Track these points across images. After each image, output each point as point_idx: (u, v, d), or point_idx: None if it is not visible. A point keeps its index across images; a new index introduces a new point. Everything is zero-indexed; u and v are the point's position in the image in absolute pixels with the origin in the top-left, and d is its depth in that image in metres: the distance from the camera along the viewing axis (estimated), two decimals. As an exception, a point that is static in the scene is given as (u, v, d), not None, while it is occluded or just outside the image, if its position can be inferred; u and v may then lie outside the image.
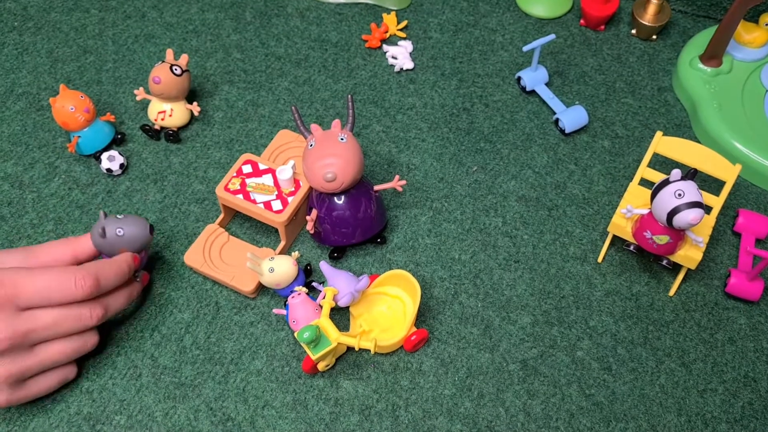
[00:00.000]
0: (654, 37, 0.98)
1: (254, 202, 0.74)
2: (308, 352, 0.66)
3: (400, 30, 0.98)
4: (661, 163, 0.85)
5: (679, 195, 0.65)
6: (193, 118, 0.89)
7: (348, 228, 0.75)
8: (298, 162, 0.79)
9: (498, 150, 0.87)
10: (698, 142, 0.88)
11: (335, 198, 0.74)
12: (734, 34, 0.88)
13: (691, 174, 0.67)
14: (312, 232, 0.77)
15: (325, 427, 0.68)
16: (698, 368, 0.72)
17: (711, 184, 0.83)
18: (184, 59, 0.85)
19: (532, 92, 0.92)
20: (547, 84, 0.92)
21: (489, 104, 0.91)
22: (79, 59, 0.95)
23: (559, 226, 0.81)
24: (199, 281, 0.77)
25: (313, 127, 0.73)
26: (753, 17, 0.94)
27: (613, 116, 0.90)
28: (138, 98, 0.86)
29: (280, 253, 0.77)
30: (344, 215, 0.74)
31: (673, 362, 0.72)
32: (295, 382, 0.70)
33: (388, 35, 0.98)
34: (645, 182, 0.78)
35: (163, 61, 0.84)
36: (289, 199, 0.75)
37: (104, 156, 0.83)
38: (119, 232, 0.67)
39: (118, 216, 0.68)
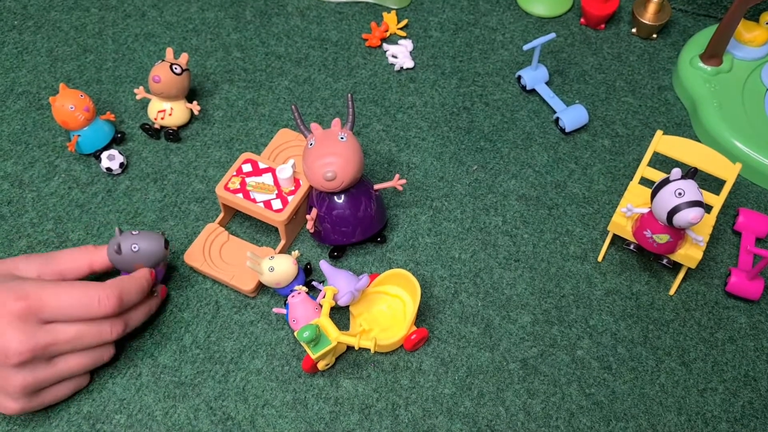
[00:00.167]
0: (654, 35, 0.98)
1: (254, 201, 0.74)
2: (308, 351, 0.66)
3: (401, 29, 0.98)
4: (662, 162, 0.85)
5: (680, 194, 0.65)
6: (193, 117, 0.89)
7: (348, 227, 0.75)
8: (298, 161, 0.79)
9: (498, 149, 0.87)
10: (698, 141, 0.88)
11: (335, 197, 0.74)
12: (735, 32, 0.88)
13: (691, 173, 0.67)
14: (312, 231, 0.77)
15: (325, 426, 0.68)
16: (698, 367, 0.72)
17: (711, 183, 0.83)
18: (184, 58, 0.85)
19: (533, 91, 0.92)
20: (547, 83, 0.92)
21: (489, 103, 0.91)
22: (79, 58, 0.95)
23: (560, 225, 0.81)
24: (199, 280, 0.77)
25: (313, 126, 0.73)
26: (753, 16, 0.94)
27: (614, 115, 0.90)
28: (138, 97, 0.86)
29: (280, 252, 0.77)
30: (344, 214, 0.74)
31: (674, 361, 0.72)
32: (295, 381, 0.70)
33: (388, 34, 0.98)
34: (645, 181, 0.78)
35: (163, 60, 0.84)
36: (289, 198, 0.75)
37: (104, 155, 0.83)
38: (134, 248, 0.67)
39: (133, 232, 0.68)
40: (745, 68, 0.90)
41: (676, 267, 0.76)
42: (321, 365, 0.69)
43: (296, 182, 0.76)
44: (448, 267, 0.78)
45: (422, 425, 0.68)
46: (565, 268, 0.78)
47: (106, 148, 0.85)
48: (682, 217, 0.65)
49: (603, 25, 0.99)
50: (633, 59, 0.96)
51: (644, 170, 0.77)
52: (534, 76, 0.91)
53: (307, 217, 0.75)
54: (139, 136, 0.88)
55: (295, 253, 0.73)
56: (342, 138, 0.71)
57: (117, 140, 0.87)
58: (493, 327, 0.74)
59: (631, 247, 0.74)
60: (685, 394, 0.70)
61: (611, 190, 0.84)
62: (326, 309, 0.68)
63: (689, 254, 0.72)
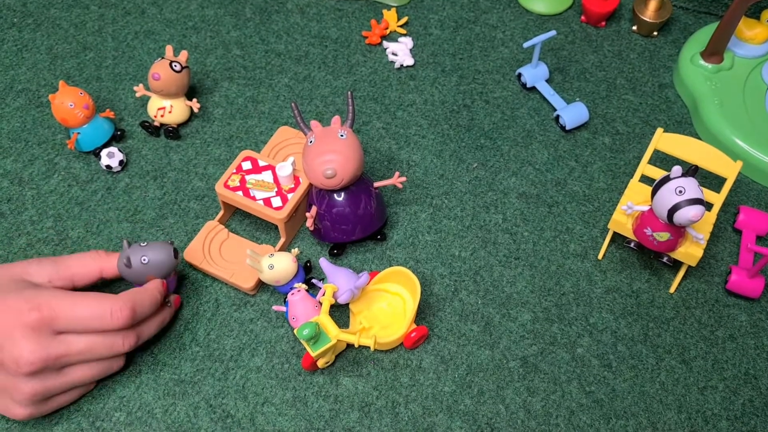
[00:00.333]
0: (655, 33, 0.98)
1: (254, 198, 0.74)
2: (308, 349, 0.66)
3: (401, 26, 0.98)
4: (662, 160, 0.85)
5: (680, 192, 0.65)
6: (192, 115, 0.89)
7: (348, 225, 0.75)
8: (298, 158, 0.79)
9: (498, 147, 0.87)
10: (699, 138, 0.87)
11: (335, 195, 0.74)
12: (736, 30, 0.88)
13: (691, 171, 0.67)
14: (312, 228, 0.77)
15: (325, 424, 0.68)
16: (698, 365, 0.72)
17: (712, 181, 0.83)
18: (183, 56, 0.85)
19: (533, 89, 0.92)
20: (547, 80, 0.92)
21: (489, 101, 0.91)
22: (79, 56, 0.95)
23: (560, 223, 0.81)
24: (199, 278, 0.77)
25: (313, 123, 0.72)
26: (754, 13, 0.94)
27: (614, 113, 0.90)
28: (137, 95, 0.86)
29: (280, 249, 0.77)
30: (344, 212, 0.74)
31: (674, 359, 0.72)
32: (294, 379, 0.70)
33: (388, 32, 0.97)
34: (645, 179, 0.78)
35: (163, 58, 0.83)
36: (289, 195, 0.75)
37: (104, 153, 0.83)
38: (144, 260, 0.66)
39: (141, 244, 0.68)
40: (746, 66, 0.90)
41: (676, 265, 0.76)
42: (321, 363, 0.69)
43: (296, 180, 0.76)
44: (448, 265, 0.78)
45: (422, 423, 0.68)
46: (566, 266, 0.78)
47: (106, 145, 0.85)
48: (683, 215, 0.65)
49: (603, 23, 0.99)
50: (634, 57, 0.96)
51: (645, 168, 0.77)
52: (534, 74, 0.90)
53: (307, 214, 0.75)
54: (138, 134, 0.88)
55: (295, 250, 0.73)
56: (342, 135, 0.71)
57: (117, 138, 0.86)
58: (493, 325, 0.74)
59: (632, 245, 0.74)
60: (685, 392, 0.70)
61: (611, 188, 0.84)
62: (326, 307, 0.68)
63: (690, 252, 0.71)
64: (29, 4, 1.01)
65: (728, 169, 0.74)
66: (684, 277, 0.77)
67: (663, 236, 0.70)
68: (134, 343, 0.65)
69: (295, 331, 0.66)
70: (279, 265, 0.71)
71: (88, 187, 0.83)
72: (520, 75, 0.92)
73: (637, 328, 0.74)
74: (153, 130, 0.87)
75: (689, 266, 0.76)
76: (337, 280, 0.69)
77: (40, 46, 0.96)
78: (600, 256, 0.78)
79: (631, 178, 0.83)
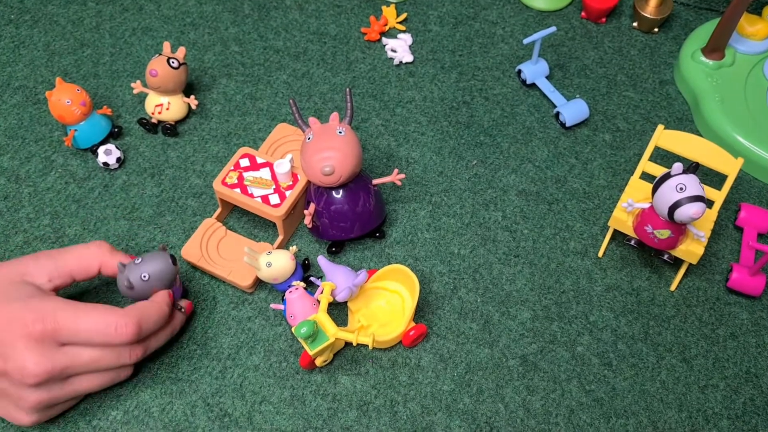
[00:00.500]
0: (656, 29, 0.97)
1: (252, 196, 0.74)
2: (306, 347, 0.66)
3: (400, 23, 0.98)
4: (663, 157, 0.84)
5: (681, 189, 0.64)
6: (190, 112, 0.89)
7: (346, 222, 0.74)
8: (296, 156, 0.78)
9: (498, 144, 0.86)
10: (700, 135, 0.87)
11: (333, 192, 0.73)
12: (737, 26, 0.87)
13: (692, 168, 0.66)
14: (310, 226, 0.76)
15: (323, 423, 0.67)
16: (699, 364, 0.71)
17: (713, 178, 0.82)
18: (181, 52, 0.84)
19: (533, 85, 0.92)
20: (547, 77, 0.91)
21: (489, 97, 0.91)
22: (76, 52, 0.95)
23: (560, 220, 0.80)
24: (196, 276, 0.76)
25: (311, 120, 0.72)
26: (756, 9, 0.93)
27: (615, 110, 0.90)
28: (135, 91, 0.85)
29: (278, 247, 0.77)
30: (342, 209, 0.73)
31: (674, 358, 0.72)
32: (292, 377, 0.70)
33: (387, 28, 0.97)
34: (646, 176, 0.77)
35: (161, 54, 0.83)
36: (287, 193, 0.74)
37: (101, 150, 0.82)
38: (144, 276, 0.65)
39: (136, 261, 0.66)
40: (747, 62, 0.89)
41: (677, 263, 0.76)
42: (319, 361, 0.69)
43: (294, 177, 0.75)
44: (447, 262, 0.77)
45: (421, 422, 0.67)
46: (565, 263, 0.77)
47: (103, 142, 0.84)
48: (684, 213, 0.64)
49: (604, 19, 0.98)
50: (634, 53, 0.95)
51: (645, 165, 0.77)
52: (534, 71, 0.90)
53: (305, 212, 0.74)
54: (136, 131, 0.87)
55: (293, 248, 0.73)
56: (340, 132, 0.71)
57: (114, 135, 0.86)
58: (493, 323, 0.73)
59: (632, 242, 0.74)
60: (686, 390, 0.70)
61: (612, 185, 0.83)
62: (324, 305, 0.68)
63: (690, 250, 0.71)
64: (26, 1, 1.00)
65: (729, 166, 0.74)
66: (685, 275, 0.76)
67: (664, 234, 0.69)
68: (141, 354, 0.65)
69: (292, 329, 0.66)
70: (277, 262, 0.70)
71: (85, 185, 0.82)
72: (519, 72, 0.91)
73: (638, 327, 0.73)
74: (150, 127, 0.86)
75: (690, 264, 0.76)
76: (336, 278, 0.69)
77: (38, 42, 0.96)
78: (600, 254, 0.78)
79: (632, 175, 0.82)
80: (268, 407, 0.68)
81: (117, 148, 0.83)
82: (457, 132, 0.87)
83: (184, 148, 0.86)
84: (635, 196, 0.74)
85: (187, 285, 0.75)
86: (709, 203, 0.74)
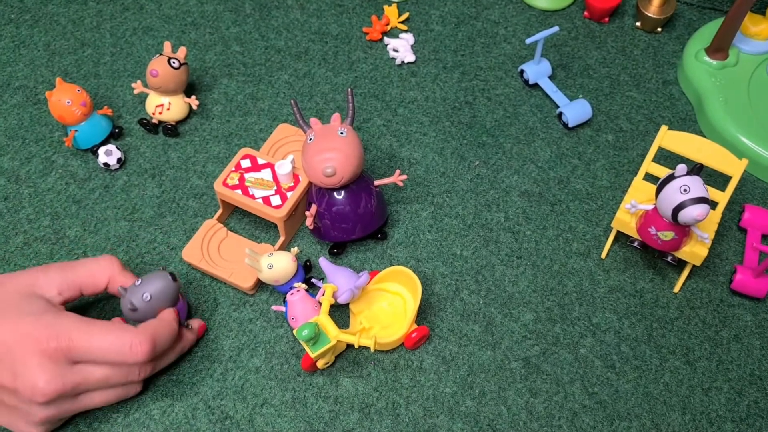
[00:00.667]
0: (659, 29, 0.96)
1: (253, 197, 0.73)
2: (307, 349, 0.65)
3: (402, 22, 0.97)
4: (665, 158, 0.84)
5: (685, 190, 0.64)
6: (191, 112, 0.88)
7: (348, 223, 0.74)
8: (298, 156, 0.78)
9: (500, 144, 0.86)
10: (703, 136, 0.86)
11: (335, 193, 0.73)
12: (741, 26, 0.87)
13: (696, 169, 0.66)
14: (311, 227, 0.76)
15: (325, 426, 0.67)
16: (703, 366, 0.71)
17: (716, 179, 0.82)
18: (182, 52, 0.84)
19: (535, 85, 0.91)
20: (550, 77, 0.91)
21: (491, 98, 0.90)
22: (77, 52, 0.94)
23: (562, 221, 0.80)
24: (197, 277, 0.76)
25: (313, 121, 0.72)
26: (760, 9, 0.92)
27: (618, 110, 0.89)
28: (135, 92, 0.85)
29: (279, 249, 0.76)
30: (344, 210, 0.73)
31: (678, 360, 0.71)
32: (294, 379, 0.69)
33: (389, 27, 0.96)
34: (649, 177, 0.77)
35: (161, 54, 0.83)
36: (288, 194, 0.74)
37: (101, 150, 0.82)
38: (146, 297, 0.64)
39: (136, 283, 0.65)
40: (751, 62, 0.89)
41: (680, 264, 0.75)
42: (320, 364, 0.68)
43: (295, 178, 0.75)
44: (450, 264, 0.77)
45: (423, 425, 0.67)
46: (568, 265, 0.77)
47: (104, 143, 0.84)
48: (688, 214, 0.64)
49: (607, 19, 0.98)
50: (637, 53, 0.95)
51: (649, 166, 0.76)
52: (537, 71, 0.89)
53: (307, 213, 0.74)
54: (136, 131, 0.87)
55: (295, 249, 0.72)
56: (342, 133, 0.70)
57: (114, 135, 0.85)
58: (495, 325, 0.73)
59: (635, 244, 0.73)
60: (689, 393, 0.69)
61: (615, 186, 0.83)
62: (326, 307, 0.67)
63: (694, 251, 0.71)
64: (27, 0, 1.00)
65: (733, 167, 0.73)
66: (688, 277, 0.76)
67: (667, 235, 0.69)
68: (150, 371, 0.64)
69: (294, 331, 0.65)
70: (278, 264, 0.70)
71: (85, 185, 0.82)
72: (522, 71, 0.91)
73: (641, 329, 0.73)
74: (151, 127, 0.86)
75: (693, 266, 0.75)
76: (337, 279, 0.68)
77: (38, 42, 0.95)
78: (603, 255, 0.77)
79: (635, 176, 0.82)
80: (269, 410, 0.68)
81: (117, 148, 0.82)
82: (460, 132, 0.87)
83: (185, 148, 0.85)
84: (638, 197, 0.74)
85: (188, 287, 0.75)
86: (713, 204, 0.74)
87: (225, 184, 0.74)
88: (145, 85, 0.85)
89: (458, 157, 0.85)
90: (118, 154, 0.82)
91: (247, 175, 0.75)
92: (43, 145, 0.85)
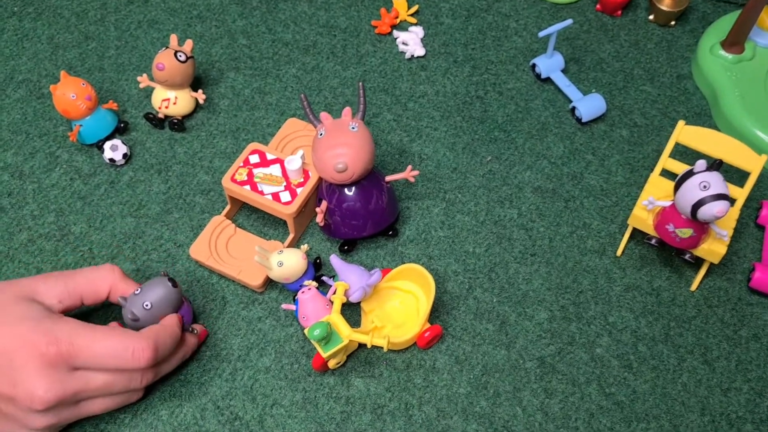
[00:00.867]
0: (672, 22, 0.95)
1: (262, 193, 0.72)
2: (319, 349, 0.64)
3: (411, 15, 0.96)
4: (681, 153, 0.82)
5: (705, 187, 0.63)
6: (198, 107, 0.87)
7: (359, 220, 0.72)
8: (307, 152, 0.76)
9: (512, 139, 0.84)
10: (718, 131, 0.85)
11: (346, 189, 0.71)
12: (758, 19, 0.85)
13: (716, 165, 0.64)
14: (322, 224, 0.74)
15: (336, 427, 0.66)
16: (722, 366, 0.69)
17: (732, 175, 0.80)
18: (188, 45, 0.82)
19: (548, 80, 0.89)
20: (563, 71, 0.89)
21: (503, 92, 0.89)
22: (81, 45, 0.93)
23: (577, 218, 0.79)
24: (205, 275, 0.74)
25: (323, 115, 0.70)
26: (776, 2, 0.91)
27: (632, 104, 0.87)
28: (141, 86, 0.83)
29: (289, 246, 0.75)
30: (355, 207, 0.72)
31: (696, 360, 0.70)
32: (304, 380, 0.68)
33: (398, 21, 0.95)
34: (666, 173, 0.75)
35: (167, 47, 0.81)
36: (298, 190, 0.72)
37: (107, 145, 0.80)
38: (147, 305, 0.63)
39: (135, 292, 0.64)
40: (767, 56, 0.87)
41: (697, 262, 0.74)
42: (332, 364, 0.67)
43: (305, 173, 0.73)
44: (462, 261, 0.75)
45: (436, 426, 0.66)
46: (583, 262, 0.76)
47: (109, 138, 0.83)
48: (707, 211, 0.62)
49: (619, 12, 0.96)
50: (651, 47, 0.93)
51: (665, 161, 0.75)
52: (549, 64, 0.88)
53: (317, 210, 0.73)
54: (142, 126, 0.85)
55: (304, 247, 0.71)
56: (353, 128, 0.69)
57: (120, 130, 0.84)
58: (509, 324, 0.71)
59: (653, 241, 0.72)
60: (708, 393, 0.68)
61: (630, 182, 0.81)
62: (338, 305, 0.66)
63: (713, 249, 0.69)
64: (29, -7, 0.98)
65: (752, 163, 0.72)
66: (705, 275, 0.75)
67: (686, 233, 0.67)
68: (152, 378, 0.63)
69: (305, 331, 0.64)
70: (288, 262, 0.68)
71: (90, 181, 0.81)
72: (534, 65, 0.89)
73: (658, 328, 0.71)
74: (157, 122, 0.84)
75: (711, 264, 0.74)
76: (349, 277, 0.67)
77: (41, 35, 0.94)
78: (619, 253, 0.76)
79: (650, 171, 0.81)
80: (279, 410, 0.66)
81: (123, 143, 0.81)
82: (471, 127, 0.85)
83: (191, 143, 0.84)
84: (655, 193, 0.73)
85: (196, 285, 0.73)
86: (731, 201, 0.72)
87: (233, 179, 0.73)
88: (151, 79, 0.83)
89: (470, 152, 0.83)
90: (123, 149, 0.81)
91: (255, 171, 0.73)
92: (48, 140, 0.84)
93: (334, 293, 0.67)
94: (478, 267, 0.75)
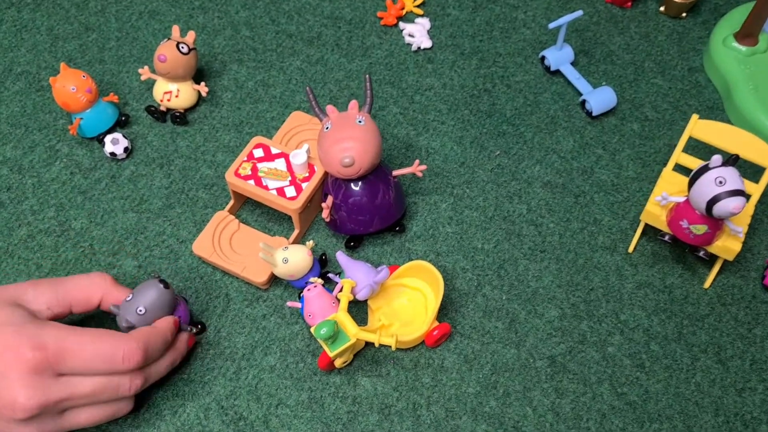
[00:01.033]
0: (684, 14, 0.93)
1: (266, 188, 0.70)
2: (325, 348, 0.62)
3: (417, 6, 0.94)
4: (693, 148, 0.80)
5: (720, 182, 0.61)
6: (200, 99, 0.85)
7: (365, 215, 0.71)
8: (313, 145, 0.75)
9: (521, 133, 0.83)
10: (731, 125, 0.83)
11: (352, 184, 0.70)
12: (772, 10, 0.84)
13: (732, 160, 0.63)
14: (327, 220, 0.73)
15: (343, 427, 0.64)
16: (736, 365, 0.68)
17: (746, 170, 0.79)
18: (190, 37, 0.81)
19: (557, 72, 0.88)
20: (572, 63, 0.87)
21: (511, 85, 0.87)
22: (81, 37, 0.91)
23: (587, 213, 0.77)
24: (208, 272, 0.73)
25: (329, 108, 0.68)
26: (790, -7, 0.89)
27: (643, 98, 0.86)
28: (143, 78, 0.82)
29: (294, 242, 0.73)
30: (361, 202, 0.70)
31: (709, 359, 0.68)
32: (310, 379, 0.67)
33: (404, 12, 0.93)
34: (679, 168, 0.74)
35: (169, 39, 0.80)
36: (304, 185, 0.71)
37: (108, 139, 0.79)
38: (140, 311, 0.62)
39: (127, 298, 0.62)
40: (782, 48, 0.85)
41: (711, 259, 0.72)
42: (338, 363, 0.65)
43: (311, 168, 0.72)
44: (471, 258, 0.74)
45: (445, 426, 0.64)
46: (594, 259, 0.74)
47: (110, 131, 0.81)
48: (723, 207, 0.61)
49: (629, 3, 0.94)
50: (662, 39, 0.91)
51: (679, 156, 0.73)
52: (559, 57, 0.86)
53: (323, 205, 0.71)
54: (144, 119, 0.84)
55: (310, 243, 0.69)
56: (360, 121, 0.67)
57: (121, 123, 0.83)
58: (519, 322, 0.70)
59: (666, 238, 0.70)
60: (722, 393, 0.67)
61: (641, 177, 0.79)
62: (344, 303, 0.64)
63: (727, 246, 0.68)
64: (29, -17, 0.96)
65: (767, 158, 0.70)
66: (719, 272, 0.73)
67: (700, 229, 0.66)
68: (141, 385, 0.60)
69: (312, 329, 0.62)
70: (294, 258, 0.67)
71: (91, 175, 0.79)
72: (543, 58, 0.87)
73: (671, 326, 0.70)
74: (159, 115, 0.83)
75: (725, 261, 0.72)
76: (356, 274, 0.66)
77: (41, 26, 0.92)
78: (630, 250, 0.74)
79: (662, 166, 0.79)
80: (284, 410, 0.65)
81: (124, 137, 0.79)
82: (479, 121, 0.84)
83: (194, 137, 0.82)
84: (669, 189, 0.71)
85: (199, 282, 0.72)
86: (747, 197, 0.71)
87: (237, 174, 0.71)
88: (153, 71, 0.82)
89: (478, 146, 0.82)
90: (124, 142, 0.79)
91: (260, 165, 0.72)
92: (47, 133, 0.82)
93: (341, 291, 0.65)
94: (486, 264, 0.73)
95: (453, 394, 0.66)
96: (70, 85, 0.77)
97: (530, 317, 0.70)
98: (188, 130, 0.83)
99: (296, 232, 0.73)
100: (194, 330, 0.67)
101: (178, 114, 0.82)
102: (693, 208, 0.65)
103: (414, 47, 0.90)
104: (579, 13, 0.82)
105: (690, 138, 0.75)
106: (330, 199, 0.71)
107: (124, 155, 0.80)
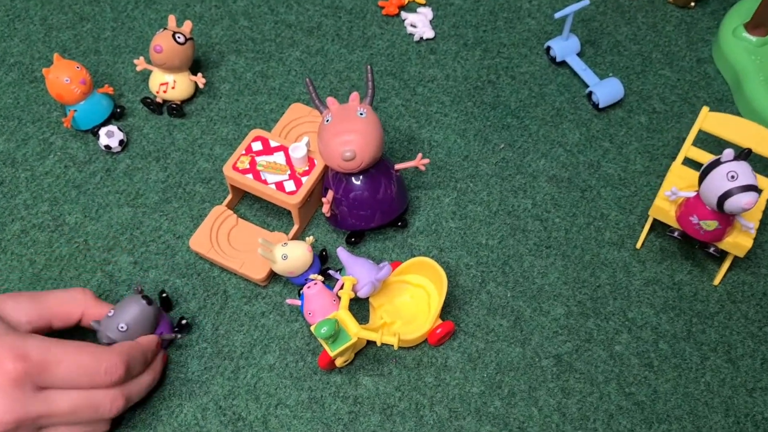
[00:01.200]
0: (692, 4, 0.91)
1: (265, 182, 0.69)
2: (326, 347, 0.61)
3: (420, -4, 0.92)
4: (702, 141, 0.79)
5: (732, 177, 0.60)
6: (197, 91, 0.83)
7: (366, 210, 0.69)
8: (313, 138, 0.73)
9: (526, 126, 0.81)
10: (741, 117, 0.81)
11: (353, 178, 0.68)
12: (784, 0, 0.82)
13: (744, 154, 0.61)
14: (328, 215, 0.71)
15: (344, 428, 0.63)
16: (746, 365, 0.67)
17: (757, 164, 0.77)
18: (187, 26, 0.79)
19: (563, 63, 0.86)
20: (578, 54, 0.85)
21: (516, 76, 0.85)
22: (75, 27, 0.89)
23: (594, 208, 0.75)
24: (206, 268, 0.71)
25: (330, 100, 0.67)
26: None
27: (650, 89, 0.84)
28: (138, 69, 0.80)
29: (294, 237, 0.72)
30: (362, 196, 0.68)
31: (719, 358, 0.67)
32: (310, 378, 0.65)
33: (406, 1, 0.91)
34: (688, 162, 0.72)
35: (165, 29, 0.78)
36: (303, 179, 0.69)
37: (102, 131, 0.77)
38: (122, 327, 0.60)
39: (109, 314, 0.61)
40: (793, 39, 0.83)
41: (721, 255, 0.70)
42: (339, 362, 0.64)
43: (311, 161, 0.70)
44: (475, 254, 0.72)
45: (449, 427, 0.63)
46: (601, 255, 0.72)
47: (105, 123, 0.79)
48: (735, 203, 0.60)
49: (637, -7, 0.92)
50: (669, 29, 0.89)
51: (688, 150, 0.71)
52: (564, 47, 0.84)
53: (323, 199, 0.69)
54: (139, 111, 0.82)
55: (310, 238, 0.68)
56: (361, 114, 0.65)
57: (116, 115, 0.81)
58: (524, 320, 0.68)
59: (675, 234, 0.68)
60: (732, 393, 0.65)
61: (649, 171, 0.78)
62: (345, 301, 0.63)
63: (738, 242, 0.66)
64: (22, -29, 0.94)
65: (780, 152, 0.69)
66: (729, 269, 0.71)
67: (711, 225, 0.64)
68: (122, 406, 0.58)
69: (312, 328, 0.61)
70: (293, 254, 0.65)
71: (86, 169, 0.77)
72: (549, 48, 0.86)
73: (680, 324, 0.68)
74: (155, 107, 0.81)
75: (735, 257, 0.71)
76: (357, 271, 0.64)
77: (34, 16, 0.90)
78: (638, 245, 0.73)
79: (670, 159, 0.78)
80: (284, 410, 0.63)
81: (119, 129, 0.78)
82: (483, 113, 0.82)
83: (191, 129, 0.80)
84: (678, 183, 0.69)
85: (196, 279, 0.70)
86: (759, 192, 0.69)
87: (235, 168, 0.70)
88: (149, 62, 0.80)
89: (482, 139, 0.80)
90: (120, 135, 0.77)
91: (258, 159, 0.70)
92: (41, 125, 0.80)
93: (342, 288, 0.64)
94: (491, 260, 0.72)
95: (457, 394, 0.64)
96: (63, 77, 0.75)
97: (536, 315, 0.69)
98: (185, 122, 0.81)
99: (296, 227, 0.72)
100: (178, 336, 0.65)
101: (174, 106, 0.81)
102: (703, 204, 0.64)
103: (416, 37, 0.88)
104: (585, 2, 0.80)
105: (700, 131, 0.74)
106: (330, 194, 0.69)
107: (119, 148, 0.78)
